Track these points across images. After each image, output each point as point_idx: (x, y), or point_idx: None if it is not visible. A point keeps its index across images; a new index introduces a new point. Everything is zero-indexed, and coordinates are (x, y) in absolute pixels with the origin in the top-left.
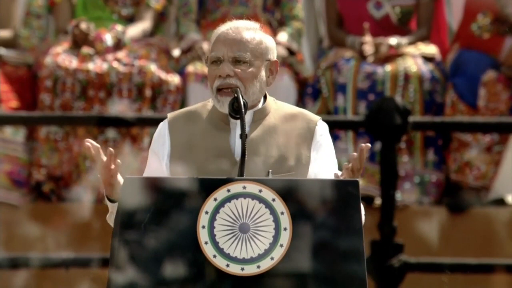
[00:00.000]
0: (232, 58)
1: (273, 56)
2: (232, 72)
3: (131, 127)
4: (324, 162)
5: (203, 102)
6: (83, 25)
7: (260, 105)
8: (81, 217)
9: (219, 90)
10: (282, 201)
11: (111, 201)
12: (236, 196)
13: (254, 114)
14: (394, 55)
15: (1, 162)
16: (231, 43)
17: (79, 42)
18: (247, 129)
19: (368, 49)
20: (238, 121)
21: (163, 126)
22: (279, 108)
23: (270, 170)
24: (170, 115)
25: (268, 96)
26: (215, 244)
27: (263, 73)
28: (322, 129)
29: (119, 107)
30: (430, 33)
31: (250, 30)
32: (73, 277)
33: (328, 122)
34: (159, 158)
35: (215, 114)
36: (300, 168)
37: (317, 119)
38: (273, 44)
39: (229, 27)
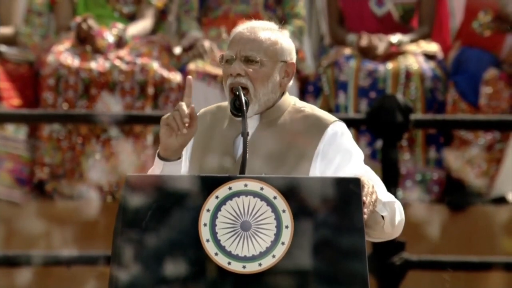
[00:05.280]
0: (245, 57)
1: (290, 58)
2: (243, 71)
3: (134, 125)
4: (339, 162)
5: None
6: (91, 21)
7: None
8: (83, 215)
9: (231, 89)
10: (284, 199)
11: (163, 159)
12: (238, 194)
13: (262, 115)
14: (395, 52)
15: (3, 160)
16: (245, 42)
17: (82, 37)
18: (253, 129)
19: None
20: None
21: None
22: (297, 109)
23: (264, 173)
24: (203, 109)
25: (287, 97)
26: (217, 242)
27: (276, 74)
28: (335, 129)
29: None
30: (431, 30)
31: (266, 30)
32: (76, 275)
33: None
34: (187, 149)
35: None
36: (300, 167)
37: (332, 119)
38: (291, 46)
39: (246, 26)
